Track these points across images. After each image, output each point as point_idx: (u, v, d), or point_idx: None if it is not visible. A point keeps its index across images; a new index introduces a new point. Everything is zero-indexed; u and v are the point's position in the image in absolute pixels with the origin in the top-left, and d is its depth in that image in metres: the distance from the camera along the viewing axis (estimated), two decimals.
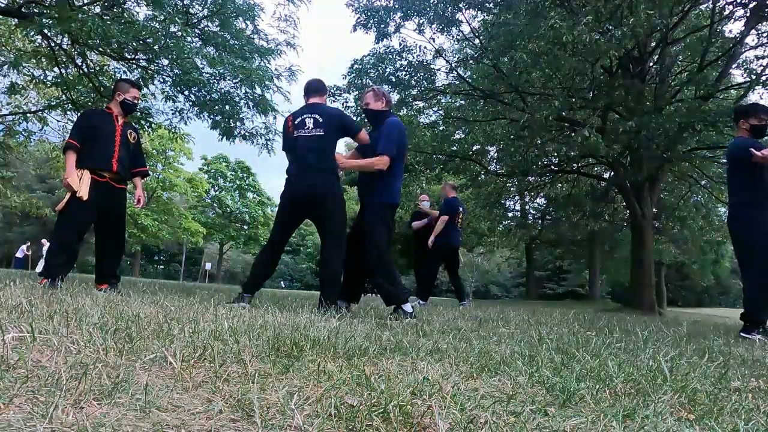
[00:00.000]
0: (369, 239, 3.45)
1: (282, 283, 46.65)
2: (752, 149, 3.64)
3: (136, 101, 4.14)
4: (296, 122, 3.47)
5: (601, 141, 10.29)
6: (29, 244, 21.19)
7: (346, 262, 3.49)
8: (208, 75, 7.81)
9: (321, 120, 3.40)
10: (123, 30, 6.36)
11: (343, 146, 19.95)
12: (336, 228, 3.43)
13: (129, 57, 8.16)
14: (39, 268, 16.89)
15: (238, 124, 8.34)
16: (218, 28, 7.96)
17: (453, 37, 13.74)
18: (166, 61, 7.87)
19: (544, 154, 14.00)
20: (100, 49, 8.05)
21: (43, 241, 19.52)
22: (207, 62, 7.32)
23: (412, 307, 3.45)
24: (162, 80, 8.42)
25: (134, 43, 7.43)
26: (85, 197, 3.72)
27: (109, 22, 6.36)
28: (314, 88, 3.60)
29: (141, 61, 8.26)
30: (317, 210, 3.43)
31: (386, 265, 3.42)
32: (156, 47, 7.36)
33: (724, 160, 13.00)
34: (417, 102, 14.16)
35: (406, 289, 3.50)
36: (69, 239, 3.84)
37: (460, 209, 7.20)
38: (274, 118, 8.48)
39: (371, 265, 3.46)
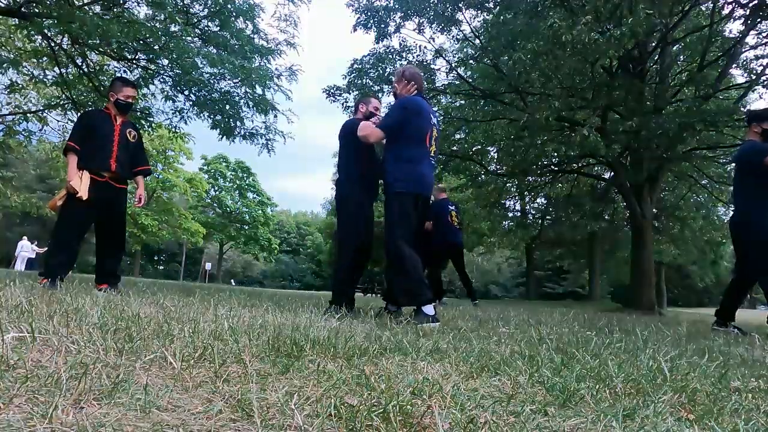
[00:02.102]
0: (385, 232, 3.16)
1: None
2: None
3: (129, 100, 4.06)
4: None
5: (601, 141, 10.28)
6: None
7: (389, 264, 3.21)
8: (208, 75, 7.81)
9: (340, 132, 3.64)
10: (123, 30, 6.35)
11: None
12: (340, 228, 3.59)
13: (129, 57, 8.17)
14: (19, 266, 16.91)
15: (238, 123, 8.34)
16: (218, 28, 7.97)
17: (453, 37, 13.73)
18: (166, 61, 7.88)
19: (544, 154, 13.98)
20: (100, 49, 8.05)
21: (24, 238, 19.53)
22: (207, 62, 7.32)
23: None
24: (162, 80, 8.42)
25: (134, 43, 7.43)
26: (85, 197, 3.72)
27: (109, 22, 6.36)
28: (354, 107, 3.98)
29: (141, 61, 8.27)
30: None
31: (398, 260, 3.05)
32: (156, 47, 7.37)
33: (724, 161, 13.10)
34: None
35: (427, 286, 3.04)
36: (69, 239, 3.83)
37: (451, 208, 7.28)
38: (275, 116, 8.49)
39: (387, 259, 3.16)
